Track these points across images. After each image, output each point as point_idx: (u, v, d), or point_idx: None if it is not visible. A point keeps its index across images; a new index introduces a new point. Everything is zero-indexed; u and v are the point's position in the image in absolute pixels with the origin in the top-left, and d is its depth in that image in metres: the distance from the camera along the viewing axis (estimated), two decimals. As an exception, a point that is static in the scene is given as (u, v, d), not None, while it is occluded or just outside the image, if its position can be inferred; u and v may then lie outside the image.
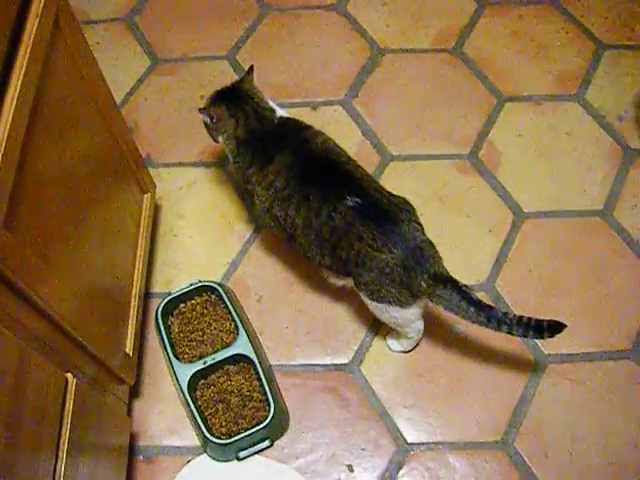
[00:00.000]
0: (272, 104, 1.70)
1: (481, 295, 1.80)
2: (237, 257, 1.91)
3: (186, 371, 1.68)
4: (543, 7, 2.33)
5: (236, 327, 1.74)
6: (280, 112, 1.69)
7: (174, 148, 2.09)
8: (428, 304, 1.53)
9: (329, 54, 2.26)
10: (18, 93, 1.06)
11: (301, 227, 1.55)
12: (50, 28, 1.20)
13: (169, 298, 1.79)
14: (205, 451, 1.65)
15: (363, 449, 1.65)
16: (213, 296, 1.81)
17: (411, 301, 1.51)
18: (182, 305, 1.81)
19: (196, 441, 1.67)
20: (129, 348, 1.58)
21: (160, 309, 1.77)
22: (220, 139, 1.71)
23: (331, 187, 1.52)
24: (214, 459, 1.63)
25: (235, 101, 1.67)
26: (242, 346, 1.70)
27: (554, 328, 1.47)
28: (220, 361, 1.69)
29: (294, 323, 1.81)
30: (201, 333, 1.77)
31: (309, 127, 1.66)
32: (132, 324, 1.61)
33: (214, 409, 1.67)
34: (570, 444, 1.63)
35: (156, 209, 1.93)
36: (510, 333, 1.46)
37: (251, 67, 1.74)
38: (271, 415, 1.61)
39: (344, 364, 1.76)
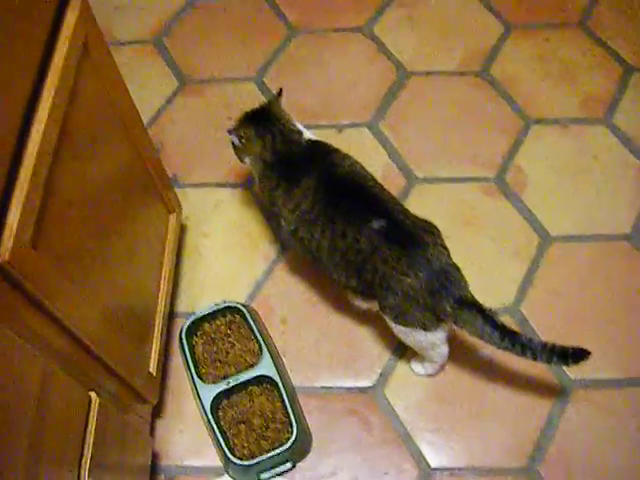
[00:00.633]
0: (300, 126, 1.71)
1: (506, 319, 1.78)
2: (262, 278, 1.91)
3: (209, 391, 1.67)
4: (570, 30, 2.33)
5: (260, 348, 1.74)
6: (307, 134, 1.70)
7: (200, 168, 2.11)
8: (453, 328, 1.52)
9: (355, 76, 2.27)
10: (47, 114, 1.08)
11: (326, 249, 1.55)
12: (79, 50, 1.21)
13: (193, 318, 1.79)
14: (227, 472, 1.64)
15: (386, 473, 1.64)
16: (237, 317, 1.81)
17: (436, 325, 1.50)
18: (206, 325, 1.81)
19: (218, 462, 1.66)
20: (153, 367, 1.58)
21: (184, 329, 1.77)
22: (247, 160, 1.72)
23: (357, 210, 1.52)
24: (236, 480, 1.63)
25: (263, 123, 1.68)
26: (265, 367, 1.70)
27: (579, 355, 1.45)
28: (243, 382, 1.69)
29: (318, 345, 1.81)
30: (225, 354, 1.77)
31: (336, 150, 1.66)
32: (156, 343, 1.62)
33: (236, 430, 1.67)
34: (597, 472, 1.60)
35: (182, 229, 1.94)
36: (534, 359, 1.45)
37: (280, 90, 1.75)
38: (293, 437, 1.60)
39: (368, 387, 1.75)
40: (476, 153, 2.08)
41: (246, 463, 1.59)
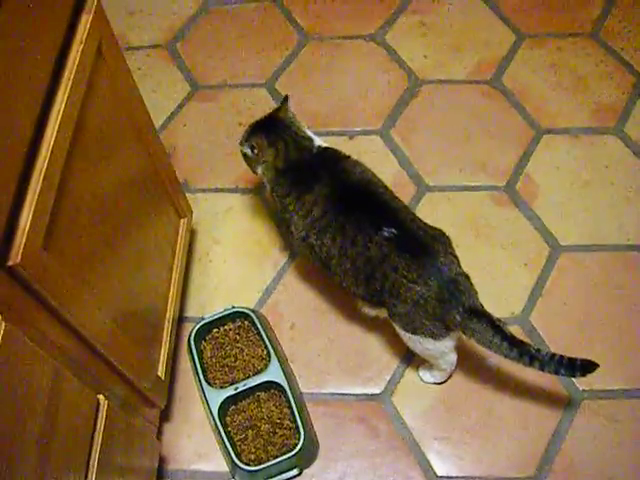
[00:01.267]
0: (310, 133, 1.71)
1: (515, 328, 1.78)
2: (271, 284, 1.91)
3: (217, 396, 1.68)
4: (582, 39, 2.33)
5: (268, 354, 1.74)
6: (318, 141, 1.70)
7: (211, 174, 2.11)
8: (462, 337, 1.52)
9: (367, 84, 2.28)
10: (61, 117, 1.08)
11: (337, 256, 1.55)
12: (93, 55, 1.22)
13: (202, 323, 1.80)
14: (233, 477, 1.64)
15: (392, 481, 1.64)
16: (246, 322, 1.81)
17: (445, 334, 1.50)
18: (215, 330, 1.81)
19: (225, 467, 1.66)
20: (161, 371, 1.58)
21: (193, 334, 1.78)
22: (259, 170, 1.71)
23: (368, 217, 1.52)
24: (242, 486, 1.63)
25: (274, 131, 1.68)
26: (274, 373, 1.70)
27: (587, 367, 1.45)
28: (251, 387, 1.69)
29: (326, 351, 1.81)
30: (233, 359, 1.77)
31: (348, 157, 1.66)
32: (165, 348, 1.62)
33: (244, 435, 1.67)
34: (604, 483, 1.60)
35: (192, 234, 1.94)
36: (542, 370, 1.45)
37: (286, 97, 1.75)
38: (301, 443, 1.60)
39: (376, 394, 1.74)
40: (487, 162, 2.08)
41: (253, 469, 1.59)
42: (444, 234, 1.54)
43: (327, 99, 2.25)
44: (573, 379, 1.71)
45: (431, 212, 1.97)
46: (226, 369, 1.76)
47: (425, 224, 1.54)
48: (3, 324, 0.88)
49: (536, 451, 1.64)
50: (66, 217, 1.12)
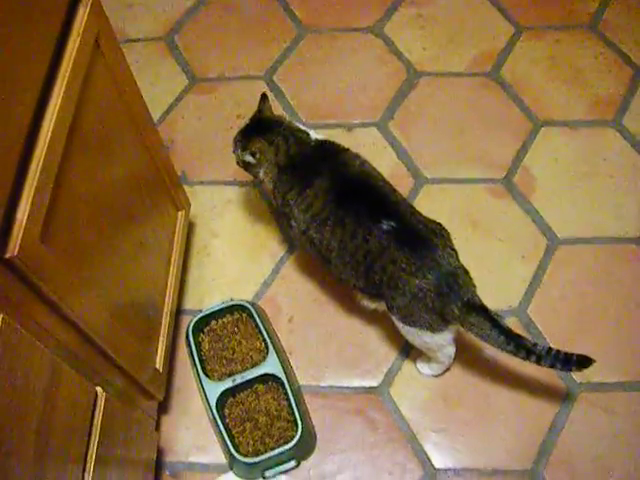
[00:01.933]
0: (302, 126, 1.71)
1: (513, 320, 1.78)
2: (269, 276, 1.92)
3: (215, 389, 1.68)
4: (580, 32, 2.33)
5: (266, 346, 1.75)
6: (314, 134, 1.69)
7: (209, 167, 2.11)
8: (459, 330, 1.53)
9: (365, 76, 2.27)
10: (58, 110, 1.08)
11: (336, 249, 1.56)
12: (91, 47, 1.22)
13: (200, 315, 1.80)
14: (231, 469, 1.65)
15: (390, 473, 1.64)
16: (244, 315, 1.81)
17: (443, 326, 1.50)
18: (213, 323, 1.81)
19: (223, 459, 1.67)
20: (159, 364, 1.58)
21: (191, 326, 1.78)
22: (261, 173, 1.69)
23: (367, 210, 1.52)
24: (240, 477, 1.63)
25: (268, 130, 1.67)
26: (272, 365, 1.70)
27: (582, 362, 1.46)
28: (249, 380, 1.70)
29: (324, 344, 1.81)
30: (231, 351, 1.77)
31: (346, 150, 1.66)
32: (163, 340, 1.62)
33: (242, 427, 1.67)
34: (601, 475, 1.60)
35: (190, 227, 1.94)
36: (538, 364, 1.45)
37: (264, 94, 1.74)
38: (298, 435, 1.60)
39: (373, 387, 1.75)
40: (484, 154, 2.08)
41: (251, 460, 1.59)
42: (443, 227, 1.54)
43: (325, 91, 2.25)
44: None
45: (429, 204, 1.97)
46: (224, 361, 1.76)
47: (424, 217, 1.54)
48: (0, 316, 0.89)
49: (533, 443, 1.65)
50: (64, 210, 1.12)
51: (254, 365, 1.73)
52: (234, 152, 1.73)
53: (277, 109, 2.14)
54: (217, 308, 1.81)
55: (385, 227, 1.48)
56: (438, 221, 1.54)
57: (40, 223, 1.02)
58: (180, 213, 1.81)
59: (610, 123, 2.13)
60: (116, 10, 2.42)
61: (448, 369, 1.73)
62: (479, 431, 1.67)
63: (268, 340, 1.74)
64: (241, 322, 1.81)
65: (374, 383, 1.75)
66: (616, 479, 1.59)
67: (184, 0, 2.49)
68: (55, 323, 1.11)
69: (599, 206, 1.97)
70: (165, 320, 1.64)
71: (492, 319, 1.44)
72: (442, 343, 1.57)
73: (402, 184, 1.98)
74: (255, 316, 1.79)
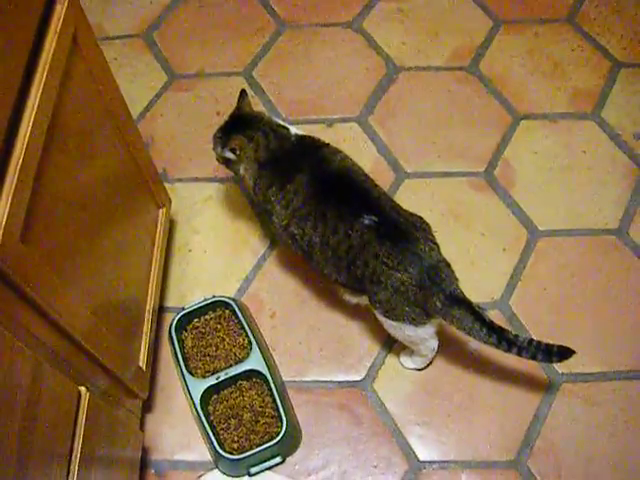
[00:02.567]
0: (282, 122, 1.71)
1: (495, 313, 1.79)
2: (251, 272, 1.91)
3: (199, 386, 1.68)
4: (559, 25, 2.34)
5: (249, 342, 1.75)
6: (294, 130, 1.69)
7: (190, 164, 2.11)
8: (442, 323, 1.53)
9: (345, 71, 2.27)
10: (36, 108, 1.07)
11: (318, 245, 1.56)
12: (69, 44, 1.21)
13: (183, 313, 1.79)
14: (216, 466, 1.65)
15: (375, 466, 1.65)
16: (227, 311, 1.81)
17: (425, 320, 1.51)
18: (196, 320, 1.81)
19: (208, 456, 1.67)
20: (142, 362, 1.58)
21: (174, 324, 1.78)
22: (242, 169, 1.69)
23: (348, 205, 1.52)
24: (225, 474, 1.63)
25: (248, 126, 1.67)
26: (255, 362, 1.70)
27: (563, 353, 1.47)
28: (233, 376, 1.70)
29: (307, 339, 1.81)
30: (214, 348, 1.77)
31: (327, 145, 1.66)
32: (146, 338, 1.62)
33: (226, 424, 1.67)
34: (584, 464, 1.62)
35: (171, 224, 1.94)
36: (520, 355, 1.47)
37: (243, 90, 1.74)
38: (283, 431, 1.60)
39: (357, 381, 1.75)
40: (465, 148, 2.09)
41: (236, 457, 1.59)
42: (424, 221, 1.54)
43: (305, 87, 2.24)
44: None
45: (410, 198, 1.97)
46: (207, 358, 1.76)
47: (405, 211, 1.54)
48: (-19, 317, 0.88)
49: (517, 434, 1.66)
50: (44, 209, 1.11)
51: (238, 362, 1.72)
52: (214, 149, 1.72)
53: (257, 105, 2.14)
54: (199, 305, 1.80)
55: (366, 222, 1.48)
56: (419, 215, 1.55)
57: (20, 223, 1.01)
58: (161, 210, 1.81)
59: (589, 116, 2.14)
60: (94, 7, 2.41)
61: (431, 362, 1.73)
62: (463, 423, 1.68)
63: (251, 336, 1.74)
64: (224, 319, 1.81)
65: (357, 377, 1.76)
66: (598, 467, 1.61)
67: (162, -4, 2.48)
68: (37, 323, 1.10)
69: (579, 198, 1.99)
70: (147, 318, 1.64)
71: (474, 312, 1.45)
72: (425, 337, 1.58)
73: (383, 178, 1.98)
74: (238, 312, 1.78)
